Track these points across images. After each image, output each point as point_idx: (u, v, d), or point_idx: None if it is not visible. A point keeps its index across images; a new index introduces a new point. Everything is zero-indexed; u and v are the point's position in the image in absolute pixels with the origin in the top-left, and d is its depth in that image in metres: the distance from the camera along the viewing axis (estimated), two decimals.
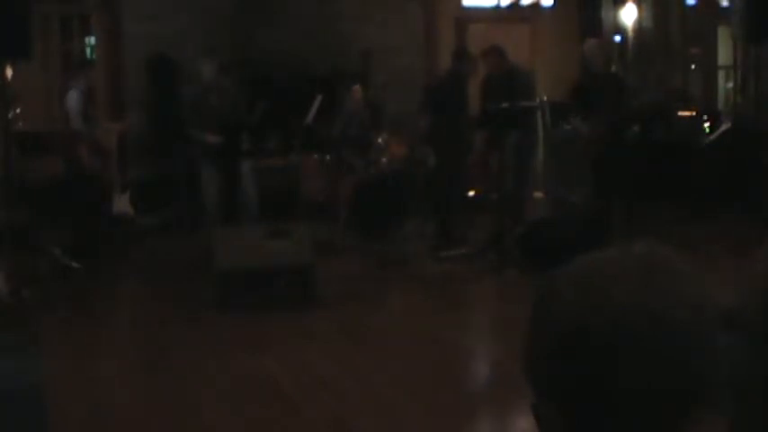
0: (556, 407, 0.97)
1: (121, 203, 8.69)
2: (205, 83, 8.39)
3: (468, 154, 8.76)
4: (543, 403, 0.99)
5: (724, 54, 10.90)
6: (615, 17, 11.12)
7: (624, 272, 0.97)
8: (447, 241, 8.34)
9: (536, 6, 11.22)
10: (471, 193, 10.12)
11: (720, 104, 10.98)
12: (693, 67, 11.45)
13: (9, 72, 7.78)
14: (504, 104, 7.98)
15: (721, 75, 11.11)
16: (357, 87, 9.41)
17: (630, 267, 0.98)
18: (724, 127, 9.79)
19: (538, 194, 9.67)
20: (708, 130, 9.88)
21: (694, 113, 10.34)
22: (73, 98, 8.27)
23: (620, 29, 10.97)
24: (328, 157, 9.32)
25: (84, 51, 10.36)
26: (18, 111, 8.80)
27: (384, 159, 9.02)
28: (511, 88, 8.22)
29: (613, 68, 9.24)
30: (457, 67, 8.53)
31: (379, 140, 9.12)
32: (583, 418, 0.96)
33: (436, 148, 8.68)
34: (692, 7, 11.14)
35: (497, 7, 11.31)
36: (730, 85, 10.98)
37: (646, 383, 0.93)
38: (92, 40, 10.43)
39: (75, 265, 7.77)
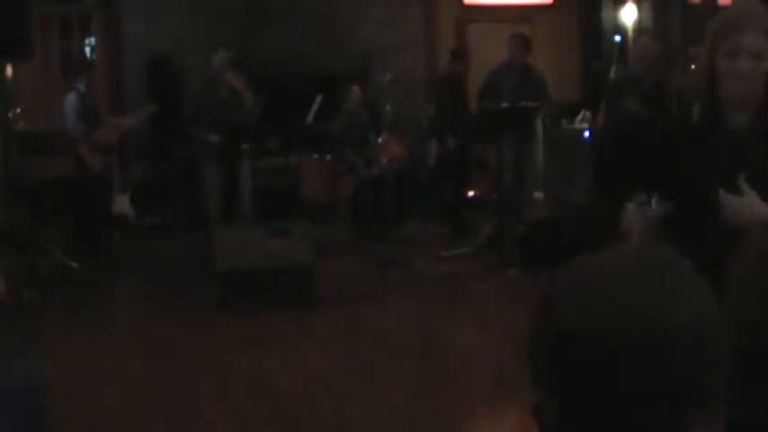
0: (556, 406, 0.97)
1: (121, 203, 8.69)
2: (215, 74, 8.34)
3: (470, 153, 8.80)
4: (545, 402, 0.99)
5: None
6: (615, 17, 11.11)
7: (622, 272, 0.97)
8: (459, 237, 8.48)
9: (536, 6, 11.22)
10: (471, 193, 10.12)
11: None
12: (693, 67, 11.44)
13: (9, 72, 7.78)
14: (504, 104, 7.97)
15: None
16: (357, 88, 9.41)
17: (628, 268, 0.98)
18: None
19: (538, 194, 9.66)
20: None
21: None
22: (70, 100, 8.29)
23: (620, 29, 10.96)
24: (328, 157, 9.31)
25: (83, 52, 10.34)
26: (18, 111, 8.80)
27: (384, 159, 9.01)
28: (523, 87, 8.21)
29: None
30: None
31: (379, 140, 9.12)
32: (581, 418, 0.96)
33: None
34: (692, 7, 11.12)
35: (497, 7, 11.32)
36: None
37: (642, 385, 0.93)
38: (92, 40, 10.43)
39: (74, 265, 7.77)
